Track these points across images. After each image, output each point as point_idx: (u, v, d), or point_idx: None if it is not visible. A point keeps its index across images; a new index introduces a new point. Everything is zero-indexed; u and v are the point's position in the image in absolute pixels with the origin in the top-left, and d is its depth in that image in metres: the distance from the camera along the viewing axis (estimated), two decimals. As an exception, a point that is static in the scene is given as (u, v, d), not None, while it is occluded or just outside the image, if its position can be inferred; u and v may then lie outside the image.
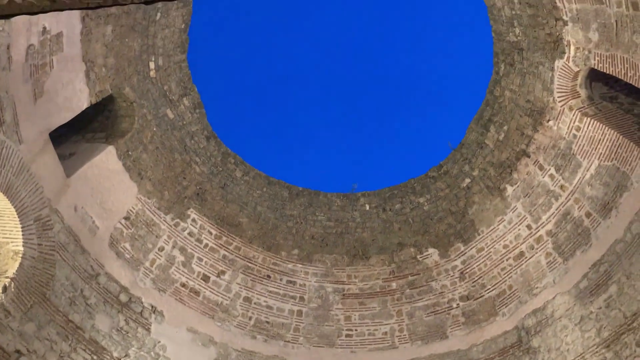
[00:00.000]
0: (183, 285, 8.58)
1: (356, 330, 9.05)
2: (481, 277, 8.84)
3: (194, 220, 8.98)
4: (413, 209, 9.64)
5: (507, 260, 8.63)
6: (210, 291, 8.76)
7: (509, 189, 8.76)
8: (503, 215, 8.81)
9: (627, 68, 6.54)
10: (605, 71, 6.97)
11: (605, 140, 7.44)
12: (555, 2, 7.11)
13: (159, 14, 8.08)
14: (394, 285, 9.30)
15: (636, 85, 6.52)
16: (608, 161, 7.43)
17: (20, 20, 5.79)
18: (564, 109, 7.89)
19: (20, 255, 6.23)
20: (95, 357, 7.08)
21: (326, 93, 40.04)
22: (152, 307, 8.08)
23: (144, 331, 7.81)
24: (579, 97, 7.76)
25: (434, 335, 8.76)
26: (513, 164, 8.71)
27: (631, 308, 6.66)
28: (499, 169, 8.89)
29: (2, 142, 5.88)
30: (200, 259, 8.86)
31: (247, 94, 39.79)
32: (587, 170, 7.73)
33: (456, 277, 9.05)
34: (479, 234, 9.03)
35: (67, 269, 7.08)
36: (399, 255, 9.46)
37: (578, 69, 7.45)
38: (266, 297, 9.08)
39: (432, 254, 9.32)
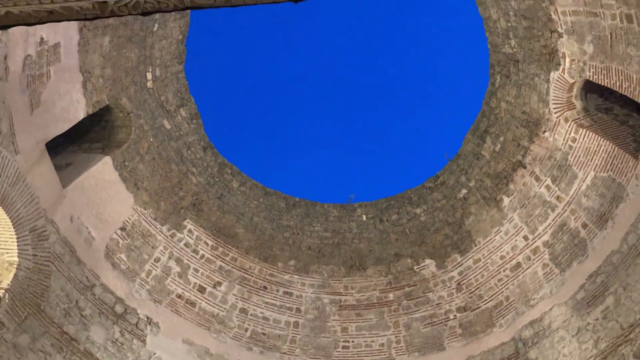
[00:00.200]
0: (179, 296, 8.54)
1: (353, 341, 9.00)
2: (478, 288, 8.83)
3: (190, 231, 8.95)
4: (410, 219, 9.64)
5: (503, 271, 8.63)
6: (206, 302, 8.72)
7: (506, 200, 8.77)
8: (500, 226, 8.82)
9: (622, 80, 6.60)
10: (600, 83, 7.03)
11: (600, 152, 7.48)
12: (550, 15, 7.18)
13: (156, 25, 8.11)
14: (390, 296, 9.27)
15: (631, 97, 6.58)
16: (604, 172, 7.46)
17: (17, 30, 5.81)
18: (559, 120, 7.93)
19: (15, 266, 6.21)
20: (89, 369, 7.02)
21: (323, 104, 40.15)
22: (148, 318, 8.04)
23: (139, 343, 7.76)
24: (575, 108, 7.81)
25: (431, 347, 8.73)
26: (509, 174, 8.74)
27: (628, 319, 6.66)
28: (495, 179, 8.91)
29: (-2, 153, 5.87)
30: (196, 270, 8.83)
31: (244, 105, 39.88)
32: (583, 182, 7.75)
33: (453, 288, 9.04)
34: (475, 245, 9.03)
35: (62, 280, 7.05)
36: (395, 266, 9.44)
37: (573, 81, 7.50)
38: (262, 308, 9.04)
39: (429, 265, 9.31)
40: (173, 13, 8.04)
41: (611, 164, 7.34)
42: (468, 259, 9.04)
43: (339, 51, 38.82)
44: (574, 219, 7.87)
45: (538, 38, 7.63)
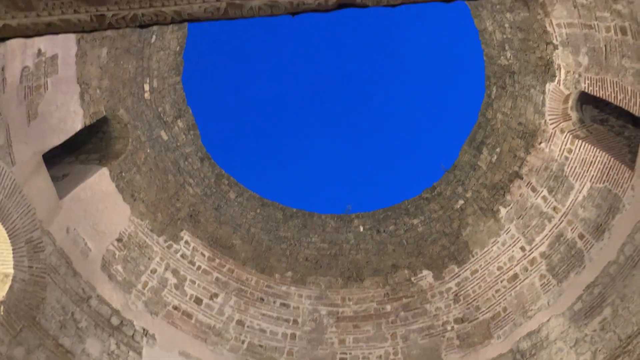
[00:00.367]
0: (175, 308, 8.50)
1: (350, 353, 8.95)
2: (475, 299, 8.81)
3: (186, 242, 8.93)
4: (407, 230, 9.64)
5: (501, 282, 8.62)
6: (202, 314, 8.67)
7: (502, 211, 8.78)
8: (497, 237, 8.82)
9: (616, 91, 6.64)
10: (595, 94, 7.08)
11: (596, 163, 7.51)
12: (545, 27, 7.24)
13: (154, 37, 8.15)
14: (388, 307, 9.24)
15: (626, 109, 6.62)
16: (600, 183, 7.49)
17: (15, 42, 5.82)
18: (555, 131, 7.97)
19: (11, 278, 6.17)
20: (85, 382, 6.96)
21: (320, 114, 40.25)
22: (144, 330, 7.98)
23: (135, 355, 7.70)
24: (570, 119, 7.85)
25: (429, 359, 8.68)
26: (506, 185, 8.76)
27: (626, 331, 6.65)
28: (492, 190, 8.92)
29: (-6, 164, 5.86)
30: (193, 282, 8.79)
31: (242, 116, 39.95)
32: (580, 192, 7.77)
33: (450, 300, 9.01)
34: (473, 256, 9.03)
35: (57, 291, 7.00)
36: (393, 277, 9.42)
37: (569, 92, 7.55)
38: (259, 320, 9.00)
39: (427, 276, 9.29)
40: (171, 25, 8.08)
41: (607, 175, 7.37)
42: (465, 270, 9.03)
43: (336, 62, 39.00)
44: (571, 230, 7.88)
45: (533, 50, 7.69)
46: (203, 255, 9.02)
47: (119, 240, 8.13)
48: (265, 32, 40.10)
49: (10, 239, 6.14)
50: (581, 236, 7.72)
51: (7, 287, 6.08)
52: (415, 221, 9.60)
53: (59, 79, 6.86)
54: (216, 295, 8.91)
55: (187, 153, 9.14)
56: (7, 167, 6.12)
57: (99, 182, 7.80)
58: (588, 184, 7.66)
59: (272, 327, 8.99)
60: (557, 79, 7.59)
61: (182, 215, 8.95)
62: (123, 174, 8.17)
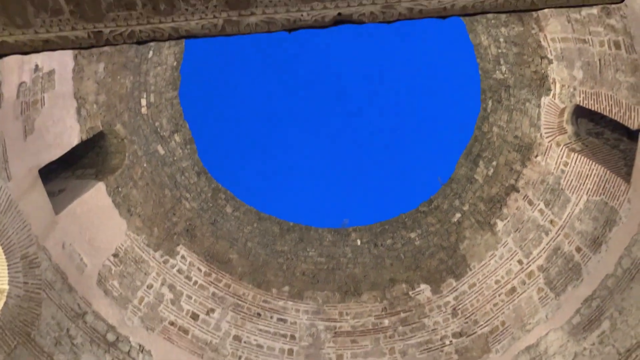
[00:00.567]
0: (172, 323, 8.43)
1: (348, 368, 8.88)
2: (474, 313, 8.77)
3: (183, 257, 8.89)
4: (404, 244, 9.62)
5: (499, 295, 8.59)
6: (199, 330, 8.61)
7: (500, 224, 8.78)
8: (494, 250, 8.81)
9: (611, 105, 6.69)
10: (590, 108, 7.12)
11: (592, 176, 7.53)
12: (540, 41, 7.31)
13: (151, 52, 8.18)
14: (386, 322, 9.19)
15: (621, 122, 6.66)
16: (596, 196, 7.50)
17: (12, 57, 5.82)
18: (551, 144, 8.00)
19: (5, 294, 6.11)
20: (79, 400, 6.88)
21: (317, 128, 40.38)
22: (140, 346, 7.91)
23: (130, 372, 7.62)
24: (566, 133, 7.89)
25: (427, 374, 8.63)
26: (503, 199, 8.76)
27: (624, 344, 6.61)
28: (489, 203, 8.93)
29: (-10, 179, 5.84)
30: (189, 297, 8.73)
31: (239, 130, 40.00)
32: (576, 205, 7.78)
33: (448, 314, 8.97)
34: (470, 269, 9.00)
35: (53, 307, 6.94)
36: (390, 291, 9.38)
37: (564, 106, 7.59)
38: (256, 335, 8.93)
39: (424, 290, 9.25)
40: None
41: (603, 187, 7.39)
42: (463, 284, 9.00)
43: (333, 76, 39.20)
44: (568, 243, 7.87)
45: (528, 64, 7.75)
46: (199, 270, 8.97)
47: (115, 255, 8.09)
48: (262, 47, 40.32)
49: (5, 254, 6.10)
50: (578, 249, 7.71)
51: (1, 304, 6.02)
52: (413, 235, 9.59)
53: (55, 94, 6.87)
54: (213, 310, 8.85)
55: (184, 167, 9.13)
56: (3, 183, 6.10)
57: (95, 197, 7.78)
58: (584, 197, 7.67)
59: (269, 343, 8.92)
60: (552, 92, 7.64)
61: (179, 229, 8.92)
62: (119, 188, 8.15)
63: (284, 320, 9.17)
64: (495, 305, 8.59)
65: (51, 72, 6.67)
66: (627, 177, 7.01)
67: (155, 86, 8.57)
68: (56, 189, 7.59)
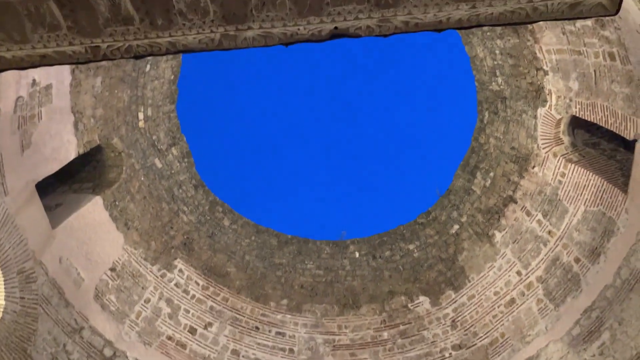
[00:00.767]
0: (169, 338, 8.37)
1: (347, 382, 8.82)
2: (473, 325, 8.73)
3: (180, 270, 8.84)
4: (403, 256, 9.59)
5: (498, 307, 8.55)
6: (197, 344, 8.54)
7: (498, 235, 8.78)
8: (493, 262, 8.79)
9: (607, 115, 6.72)
10: (586, 119, 7.16)
11: (590, 186, 7.54)
12: (535, 53, 7.36)
13: (148, 66, 8.20)
14: (385, 335, 9.13)
15: (617, 132, 6.69)
16: (594, 206, 7.51)
17: (10, 72, 5.83)
18: (548, 155, 8.02)
19: (2, 309, 6.07)
20: (76, 416, 6.81)
21: (314, 140, 40.43)
22: (137, 361, 7.85)
23: (128, 387, 7.55)
24: (563, 143, 7.92)
25: (427, 387, 8.57)
26: (500, 210, 8.77)
27: (625, 355, 6.58)
28: (486, 215, 8.93)
29: (-13, 194, 5.82)
30: (187, 311, 8.68)
31: (236, 143, 40.07)
32: (574, 216, 7.78)
33: (448, 326, 8.92)
34: (469, 281, 8.98)
35: (49, 322, 6.89)
36: (389, 304, 9.33)
37: (560, 117, 7.63)
38: (255, 349, 8.86)
39: (423, 302, 9.21)
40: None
41: (601, 198, 7.39)
42: (462, 296, 8.97)
43: (330, 89, 39.37)
44: (567, 254, 7.86)
45: (524, 75, 7.80)
46: (197, 283, 8.92)
47: (113, 269, 8.04)
48: (259, 59, 40.50)
49: (1, 269, 6.06)
50: (577, 260, 7.70)
51: (-3, 319, 5.98)
52: (411, 246, 9.57)
53: (53, 109, 6.88)
54: (210, 324, 8.79)
55: (181, 181, 9.12)
56: (0, 197, 6.08)
57: (93, 211, 7.76)
58: (582, 208, 7.68)
59: (267, 357, 8.85)
60: (548, 103, 7.68)
61: (176, 243, 8.89)
62: (117, 202, 8.13)
63: (283, 334, 9.10)
64: (494, 316, 8.55)
65: (48, 87, 6.68)
66: (624, 187, 7.03)
67: (152, 100, 8.59)
68: (53, 203, 7.57)
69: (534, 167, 8.26)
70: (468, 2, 3.14)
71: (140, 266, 8.41)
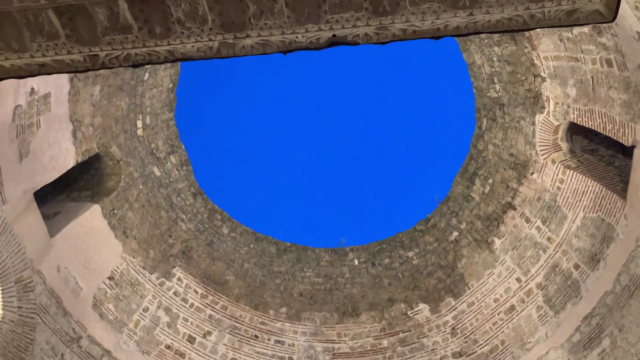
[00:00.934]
0: (168, 347, 8.32)
1: (347, 391, 8.77)
2: (473, 332, 8.69)
3: (179, 279, 8.81)
4: (402, 263, 9.56)
5: (498, 314, 8.52)
6: (196, 353, 8.49)
7: (497, 242, 8.76)
8: (492, 269, 8.77)
9: (605, 122, 6.73)
10: (584, 125, 7.17)
11: (589, 192, 7.54)
12: (533, 60, 7.38)
13: (147, 74, 8.22)
14: (385, 343, 9.09)
15: (615, 139, 6.69)
16: (593, 213, 7.51)
17: (8, 81, 5.82)
18: (546, 162, 8.03)
19: (-1, 319, 6.04)
20: None
21: (313, 148, 40.45)
22: (136, 370, 7.80)
23: (126, 397, 7.50)
24: (561, 150, 7.92)
25: (428, 395, 8.52)
26: (499, 216, 8.76)
27: (626, 362, 6.56)
28: (486, 221, 8.92)
29: (-15, 203, 5.81)
30: (185, 320, 8.64)
31: (234, 151, 40.06)
32: (573, 222, 7.78)
33: (448, 333, 8.89)
34: (469, 288, 8.95)
35: (47, 332, 6.85)
36: (389, 311, 9.29)
37: (558, 123, 7.64)
38: (253, 358, 8.81)
39: (423, 310, 9.18)
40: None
41: (600, 204, 7.39)
42: (462, 303, 8.94)
43: (328, 96, 39.44)
44: (566, 260, 7.85)
45: (522, 82, 7.82)
46: (196, 292, 8.89)
47: (111, 278, 8.01)
48: (257, 67, 40.60)
49: (-1, 279, 6.04)
50: (576, 266, 7.69)
51: (-5, 329, 5.94)
52: (411, 254, 9.55)
53: (51, 117, 6.88)
54: (209, 333, 8.75)
55: (180, 189, 9.11)
56: (-2, 206, 6.07)
57: (91, 219, 7.74)
58: (581, 214, 7.67)
59: (266, 365, 8.81)
60: (546, 110, 7.70)
61: (175, 251, 8.86)
62: (115, 210, 8.11)
63: (282, 342, 9.06)
64: (494, 324, 8.52)
65: (47, 95, 6.68)
66: (622, 193, 7.03)
67: (151, 108, 8.59)
68: (51, 212, 7.55)
69: (532, 173, 8.26)
70: (465, 10, 3.15)
71: (139, 275, 8.38)
